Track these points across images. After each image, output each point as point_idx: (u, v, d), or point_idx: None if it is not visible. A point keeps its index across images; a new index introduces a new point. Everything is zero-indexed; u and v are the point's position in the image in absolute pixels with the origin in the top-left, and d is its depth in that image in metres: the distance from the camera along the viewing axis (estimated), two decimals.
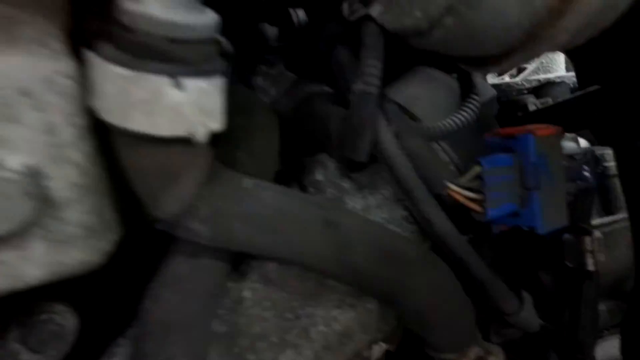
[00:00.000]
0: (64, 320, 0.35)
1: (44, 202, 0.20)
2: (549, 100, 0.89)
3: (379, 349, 0.38)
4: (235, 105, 0.33)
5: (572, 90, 0.97)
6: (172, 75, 0.20)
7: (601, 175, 0.88)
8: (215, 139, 0.30)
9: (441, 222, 0.35)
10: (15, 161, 0.19)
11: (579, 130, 0.55)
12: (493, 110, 0.54)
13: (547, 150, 0.39)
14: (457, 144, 0.43)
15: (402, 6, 0.30)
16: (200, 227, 0.25)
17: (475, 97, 0.41)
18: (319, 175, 0.42)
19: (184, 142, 0.22)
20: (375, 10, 0.33)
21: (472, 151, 0.41)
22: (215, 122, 0.22)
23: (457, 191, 0.36)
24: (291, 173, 0.45)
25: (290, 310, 0.35)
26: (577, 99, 0.69)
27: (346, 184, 0.42)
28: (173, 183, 0.23)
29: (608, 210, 0.86)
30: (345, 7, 0.36)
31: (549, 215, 0.39)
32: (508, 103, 0.80)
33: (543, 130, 0.39)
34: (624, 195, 0.46)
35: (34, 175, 0.19)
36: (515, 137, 0.39)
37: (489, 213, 0.37)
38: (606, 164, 0.70)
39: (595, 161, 0.50)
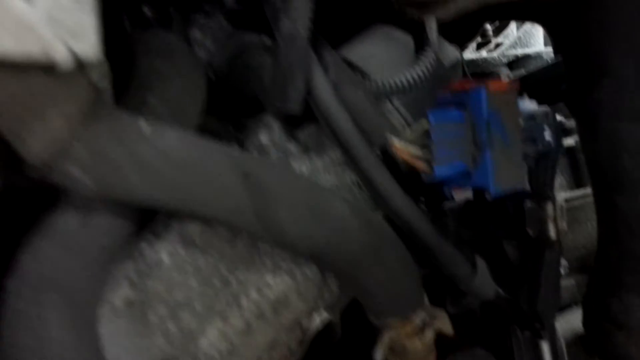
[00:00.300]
0: None
1: None
2: (522, 72, 0.87)
3: (320, 318, 0.36)
4: (152, 48, 0.30)
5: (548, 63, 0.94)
6: None
7: (569, 149, 0.86)
8: (123, 83, 0.26)
9: (384, 181, 0.32)
10: None
11: (552, 103, 0.53)
12: (457, 75, 0.51)
13: (501, 106, 0.36)
14: (412, 103, 0.40)
15: None
16: (81, 174, 0.22)
17: (430, 52, 0.38)
18: (262, 137, 0.39)
19: (46, 69, 0.18)
20: None
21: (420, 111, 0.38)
22: (81, 43, 0.19)
23: (402, 148, 0.33)
24: (232, 134, 0.42)
25: (217, 277, 0.32)
26: (546, 69, 0.67)
27: (292, 147, 0.39)
28: (38, 120, 0.20)
29: (579, 183, 0.85)
30: None
31: (503, 176, 0.36)
32: (481, 75, 0.78)
33: (497, 84, 0.36)
34: (587, 162, 0.43)
35: None
36: (466, 91, 0.36)
37: (436, 171, 0.34)
38: (575, 138, 0.68)
39: (563, 131, 0.47)
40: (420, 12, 0.35)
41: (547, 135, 0.44)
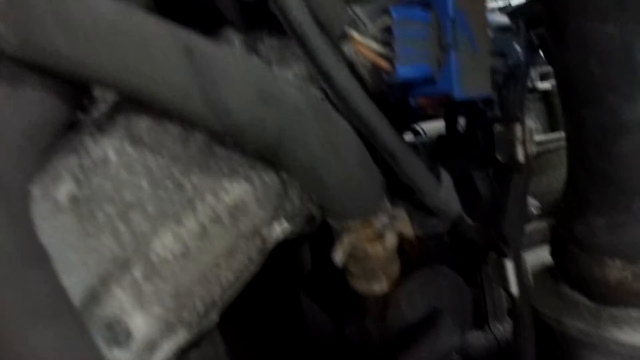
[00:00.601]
0: None
1: None
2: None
3: (280, 228, 0.35)
4: None
5: None
6: None
7: (545, 93, 0.86)
8: None
9: (344, 80, 0.31)
10: None
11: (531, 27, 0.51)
12: None
13: (469, 8, 0.35)
14: (374, 11, 0.38)
15: None
16: (3, 27, 0.20)
17: None
18: None
19: None
20: None
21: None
22: None
23: (362, 42, 0.32)
24: None
25: (170, 179, 0.31)
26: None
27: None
28: None
29: (554, 127, 0.85)
30: None
31: (468, 81, 0.35)
32: None
33: None
34: (555, 74, 0.43)
35: None
36: None
37: (399, 71, 0.32)
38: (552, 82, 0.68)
39: (532, 43, 0.46)
40: None
41: (518, 50, 0.43)
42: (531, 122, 0.74)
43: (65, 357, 0.22)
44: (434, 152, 0.58)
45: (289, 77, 0.37)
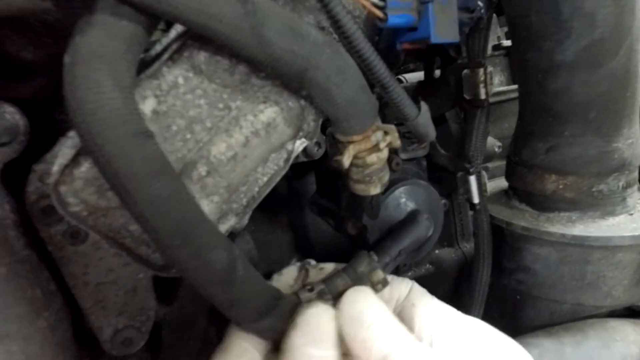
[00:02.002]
0: (16, 118, 0.39)
1: None
2: None
3: (300, 142, 0.46)
4: None
5: None
6: None
7: (509, 49, 0.97)
8: None
9: (350, 25, 0.41)
10: None
11: None
12: None
13: None
14: None
15: None
16: None
17: None
18: None
19: None
20: None
21: None
22: None
23: None
24: None
25: (221, 101, 0.41)
26: None
27: None
28: None
29: (515, 80, 0.98)
30: None
31: (441, 29, 0.46)
32: None
33: None
34: (508, 24, 0.54)
35: None
36: None
37: (389, 19, 0.43)
38: None
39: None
40: None
41: (481, 6, 0.53)
42: (496, 77, 0.86)
43: (176, 206, 0.32)
44: (414, 95, 0.69)
45: None
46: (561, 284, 0.55)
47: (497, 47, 0.91)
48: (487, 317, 0.63)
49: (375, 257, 0.43)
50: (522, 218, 0.59)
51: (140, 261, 0.40)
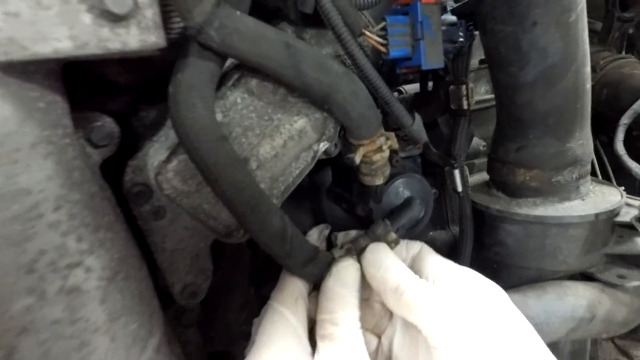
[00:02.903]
0: (112, 126, 0.54)
1: (135, 2, 0.38)
2: None
3: (323, 144, 0.60)
4: None
5: None
6: None
7: None
8: None
9: (359, 55, 0.55)
10: None
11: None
12: None
13: (429, 14, 0.60)
14: (373, 12, 0.63)
15: None
16: (213, 34, 0.44)
17: None
18: None
19: None
20: None
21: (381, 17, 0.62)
22: None
23: (371, 36, 0.57)
24: None
25: (266, 114, 0.56)
26: None
27: None
28: (199, 2, 0.42)
29: None
30: None
31: (430, 58, 0.60)
32: None
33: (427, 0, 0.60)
34: (485, 55, 0.69)
35: None
36: (408, 4, 0.59)
37: (390, 53, 0.58)
38: None
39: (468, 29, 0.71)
40: None
41: (461, 38, 0.68)
42: (478, 86, 1.00)
43: (247, 187, 0.47)
44: (412, 104, 0.84)
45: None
46: (527, 254, 0.69)
47: (483, 62, 1.05)
48: None
49: (389, 223, 0.58)
50: (497, 203, 0.74)
51: (210, 230, 0.55)
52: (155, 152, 0.53)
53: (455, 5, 0.70)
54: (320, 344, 0.47)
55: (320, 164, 0.85)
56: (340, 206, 0.75)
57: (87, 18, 0.35)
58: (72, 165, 0.40)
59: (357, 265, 0.53)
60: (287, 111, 0.57)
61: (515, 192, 0.73)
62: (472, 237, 0.75)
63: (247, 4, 0.54)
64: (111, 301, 0.42)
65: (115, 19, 0.36)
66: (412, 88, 0.90)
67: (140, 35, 0.39)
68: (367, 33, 0.56)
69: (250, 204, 0.48)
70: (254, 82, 0.55)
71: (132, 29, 0.38)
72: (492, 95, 1.07)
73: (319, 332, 0.48)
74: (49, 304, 0.37)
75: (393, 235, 0.61)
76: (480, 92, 1.08)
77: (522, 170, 0.71)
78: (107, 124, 0.53)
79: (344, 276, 0.51)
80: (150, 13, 0.39)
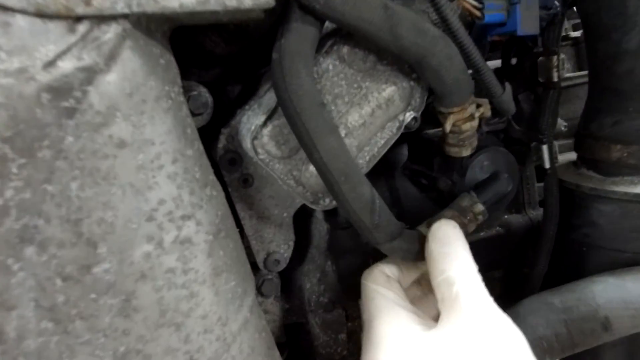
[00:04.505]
0: (207, 96, 0.56)
1: None
2: None
3: (409, 114, 0.59)
4: None
5: None
6: None
7: (575, 40, 1.06)
8: None
9: (454, 20, 0.53)
10: None
11: None
12: None
13: None
14: None
15: None
16: None
17: None
18: None
19: None
20: None
21: None
22: None
23: (467, 1, 0.55)
24: None
25: (355, 82, 0.56)
26: None
27: None
28: None
29: (581, 67, 1.06)
30: None
31: (526, 24, 0.58)
32: None
33: None
34: (580, 19, 0.64)
35: None
36: None
37: (486, 17, 0.56)
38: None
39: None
40: None
41: (557, 4, 0.64)
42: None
43: (341, 155, 0.47)
44: None
45: None
46: (622, 236, 0.65)
47: (565, 38, 1.00)
48: (551, 267, 0.74)
49: (474, 195, 0.56)
50: (589, 181, 0.69)
51: (298, 196, 0.56)
52: (249, 118, 0.54)
53: None
54: (442, 310, 0.46)
55: (396, 141, 0.84)
56: (417, 183, 0.73)
57: None
58: (186, 122, 0.41)
59: (452, 222, 0.51)
60: (376, 79, 0.56)
61: (609, 170, 0.69)
62: (557, 217, 0.72)
63: None
64: (215, 256, 0.43)
65: None
66: (492, 65, 0.86)
67: None
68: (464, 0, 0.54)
69: (343, 172, 0.48)
70: (345, 49, 0.54)
71: None
72: (575, 74, 1.02)
73: (438, 297, 0.47)
74: (165, 252, 0.38)
75: (480, 207, 0.59)
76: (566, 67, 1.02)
77: (618, 146, 0.67)
78: (202, 93, 0.55)
79: (444, 235, 0.50)
80: None
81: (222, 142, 0.58)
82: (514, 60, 0.78)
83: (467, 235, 0.54)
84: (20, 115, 0.29)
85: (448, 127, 0.57)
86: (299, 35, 0.47)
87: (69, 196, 0.33)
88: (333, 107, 0.55)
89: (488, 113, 0.58)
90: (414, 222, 0.61)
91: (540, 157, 0.69)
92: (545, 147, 0.69)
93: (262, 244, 0.63)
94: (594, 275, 0.64)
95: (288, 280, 0.73)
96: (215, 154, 0.59)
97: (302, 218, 0.72)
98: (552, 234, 0.71)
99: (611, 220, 0.66)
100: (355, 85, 0.56)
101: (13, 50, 0.28)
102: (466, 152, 0.61)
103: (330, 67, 0.54)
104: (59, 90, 0.30)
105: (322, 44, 0.54)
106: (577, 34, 1.04)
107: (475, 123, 0.59)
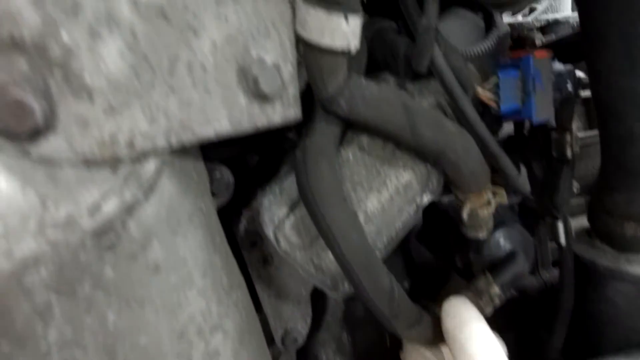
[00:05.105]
0: (228, 176, 0.57)
1: (282, 81, 0.40)
2: (553, 37, 1.07)
3: (426, 197, 0.60)
4: None
5: (574, 28, 1.13)
6: (344, 12, 0.39)
7: (585, 100, 1.07)
8: None
9: (471, 112, 0.55)
10: (270, 59, 0.39)
11: (575, 61, 0.74)
12: (506, 43, 0.72)
13: (541, 67, 0.58)
14: (480, 63, 0.62)
15: None
16: (343, 103, 0.45)
17: (497, 30, 0.60)
18: None
19: (343, 53, 0.42)
20: None
21: (488, 69, 0.61)
22: (357, 42, 0.42)
23: (483, 93, 0.56)
24: None
25: (374, 169, 0.57)
26: (574, 36, 0.87)
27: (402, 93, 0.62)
28: (334, 75, 0.43)
29: (591, 126, 1.07)
30: None
31: (540, 111, 0.59)
32: (519, 38, 0.98)
33: (539, 53, 0.58)
34: (594, 102, 0.66)
35: (276, 67, 0.40)
36: (520, 58, 0.58)
37: (502, 108, 0.57)
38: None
39: (579, 82, 0.69)
40: (494, 8, 0.57)
41: (569, 86, 0.66)
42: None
43: (363, 248, 0.48)
44: (506, 146, 0.82)
45: (425, 105, 0.62)
46: (638, 314, 0.65)
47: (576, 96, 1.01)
48: (569, 337, 0.74)
49: (490, 277, 0.57)
50: (604, 257, 0.70)
51: (318, 283, 0.57)
52: (271, 204, 0.56)
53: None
54: None
55: None
56: (432, 252, 0.74)
57: (242, 100, 0.38)
58: (215, 229, 0.43)
59: (462, 298, 0.52)
60: (394, 164, 0.58)
61: (624, 246, 0.69)
62: (573, 292, 0.72)
63: (364, 64, 0.56)
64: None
65: (265, 98, 0.39)
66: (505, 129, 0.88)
67: (283, 111, 0.41)
68: (480, 90, 0.56)
69: (364, 265, 0.49)
70: (365, 139, 0.56)
71: (277, 106, 0.40)
72: (586, 133, 1.03)
73: None
74: None
75: (496, 289, 0.60)
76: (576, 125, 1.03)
77: (632, 223, 0.67)
78: (224, 174, 0.56)
79: (457, 313, 0.51)
80: (292, 89, 0.41)
81: (243, 224, 0.59)
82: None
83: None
84: (65, 263, 0.30)
85: (465, 214, 0.58)
86: (323, 134, 0.48)
87: (106, 325, 0.34)
88: (353, 195, 0.56)
89: (505, 201, 0.59)
90: (429, 289, 0.61)
91: (555, 233, 0.70)
92: (560, 224, 0.69)
93: (280, 321, 0.63)
94: (609, 355, 0.64)
95: (304, 349, 0.73)
96: (236, 233, 0.61)
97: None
98: (569, 306, 0.71)
99: (627, 299, 0.66)
100: (374, 172, 0.57)
101: (59, 199, 0.30)
102: (482, 234, 0.62)
103: (351, 156, 0.56)
104: (102, 232, 0.31)
105: (343, 133, 0.56)
106: (587, 93, 1.05)
107: (492, 208, 0.60)
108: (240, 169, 0.68)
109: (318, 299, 0.72)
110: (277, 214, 0.53)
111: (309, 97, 0.49)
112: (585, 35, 0.62)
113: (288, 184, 0.56)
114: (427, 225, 0.76)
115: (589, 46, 0.62)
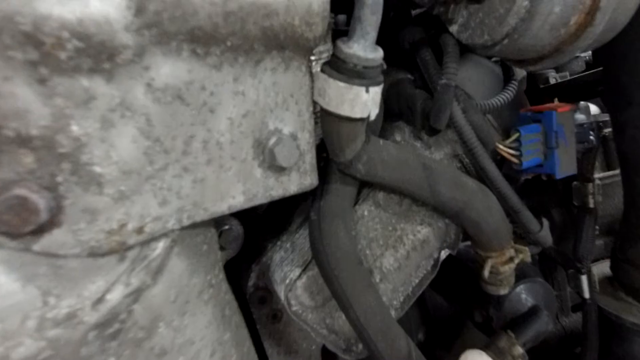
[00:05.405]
0: (238, 228, 0.55)
1: (299, 151, 0.39)
2: (567, 75, 1.05)
3: (444, 252, 0.58)
4: None
5: (587, 64, 1.12)
6: (365, 85, 0.38)
7: (603, 138, 1.05)
8: None
9: (492, 169, 0.53)
10: (287, 130, 0.38)
11: (589, 99, 0.72)
12: (523, 85, 0.71)
13: (564, 121, 0.57)
14: (499, 115, 0.60)
15: (475, 30, 0.48)
16: (361, 167, 0.44)
17: (515, 82, 0.59)
18: (397, 137, 0.60)
19: (362, 120, 0.40)
20: (454, 29, 0.51)
21: (508, 121, 0.59)
22: (376, 109, 0.40)
23: (504, 149, 0.54)
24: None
25: (390, 225, 0.55)
26: (587, 75, 0.86)
27: (417, 143, 0.59)
28: (352, 141, 0.42)
29: (609, 166, 1.05)
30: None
31: (564, 166, 0.57)
32: (533, 76, 0.96)
33: (562, 107, 0.57)
34: (617, 153, 0.63)
35: (294, 137, 0.38)
36: (542, 112, 0.56)
37: (523, 164, 0.55)
38: (607, 129, 0.86)
39: (598, 128, 0.67)
40: (516, 65, 0.55)
41: (592, 137, 0.64)
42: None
43: (378, 311, 0.46)
44: (521, 193, 0.79)
45: (441, 156, 0.60)
46: None
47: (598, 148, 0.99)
48: None
49: (512, 335, 0.54)
50: (630, 313, 0.66)
51: (330, 345, 0.54)
52: (283, 261, 0.54)
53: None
54: None
55: None
56: (448, 301, 0.71)
57: (258, 172, 0.36)
58: (225, 301, 0.41)
59: (477, 352, 0.50)
60: (411, 220, 0.56)
61: None
62: (597, 345, 0.68)
63: (380, 122, 0.54)
64: None
65: (281, 169, 0.37)
66: None
67: (299, 180, 0.39)
68: (501, 146, 0.54)
69: (380, 329, 0.46)
70: (381, 195, 0.54)
71: (293, 175, 0.38)
72: (605, 174, 1.00)
73: None
74: None
75: (519, 350, 0.56)
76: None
77: None
78: (234, 227, 0.54)
79: None
80: (309, 157, 0.39)
81: (252, 280, 0.57)
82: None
83: None
84: (65, 358, 0.28)
85: (486, 272, 0.56)
86: (338, 196, 0.47)
87: None
88: (368, 252, 0.54)
89: (529, 259, 0.56)
90: (444, 338, 0.58)
91: (579, 286, 0.67)
92: (584, 278, 0.66)
93: None
94: None
95: None
96: (244, 289, 0.58)
97: None
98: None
99: None
100: (390, 228, 0.55)
101: (62, 293, 0.28)
102: (504, 290, 0.59)
103: (366, 212, 0.54)
104: (106, 322, 0.30)
105: (358, 190, 0.54)
106: (606, 132, 1.03)
107: (513, 265, 0.57)
108: (248, 217, 0.66)
109: (329, 352, 0.69)
110: (288, 275, 0.51)
111: (322, 152, 0.47)
112: (609, 91, 0.60)
113: (300, 241, 0.54)
114: (442, 272, 0.74)
115: (612, 101, 0.60)
